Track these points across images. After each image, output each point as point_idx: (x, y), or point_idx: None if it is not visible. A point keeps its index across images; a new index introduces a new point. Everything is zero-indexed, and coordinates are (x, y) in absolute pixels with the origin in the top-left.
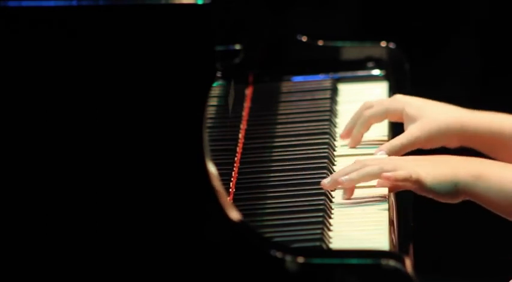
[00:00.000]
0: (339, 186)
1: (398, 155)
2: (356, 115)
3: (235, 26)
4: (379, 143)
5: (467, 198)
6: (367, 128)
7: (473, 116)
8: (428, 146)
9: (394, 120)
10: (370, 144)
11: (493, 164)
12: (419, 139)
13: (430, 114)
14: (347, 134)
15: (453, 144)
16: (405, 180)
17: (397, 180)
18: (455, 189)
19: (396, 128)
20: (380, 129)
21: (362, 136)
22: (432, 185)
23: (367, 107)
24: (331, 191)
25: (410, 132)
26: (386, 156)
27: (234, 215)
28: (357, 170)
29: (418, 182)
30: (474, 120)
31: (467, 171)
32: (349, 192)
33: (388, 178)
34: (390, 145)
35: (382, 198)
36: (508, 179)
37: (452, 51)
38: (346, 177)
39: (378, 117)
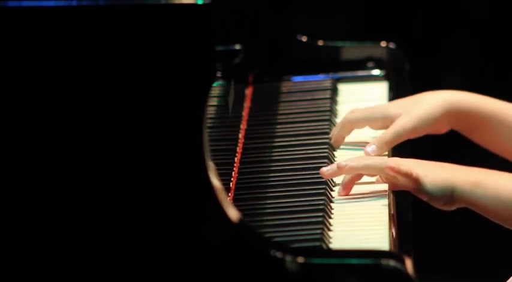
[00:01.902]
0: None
1: (388, 148)
2: (341, 120)
3: (235, 26)
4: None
5: (462, 206)
6: (348, 132)
7: (459, 95)
8: (416, 134)
9: (377, 128)
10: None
11: (490, 173)
12: (407, 128)
13: (413, 105)
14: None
15: (442, 127)
16: (406, 175)
17: (399, 172)
18: (452, 195)
19: None
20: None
21: (343, 139)
22: (430, 187)
23: (352, 112)
24: (329, 189)
25: (400, 124)
26: (375, 148)
27: (234, 215)
28: (359, 160)
29: (417, 182)
30: (459, 98)
31: (465, 178)
32: (346, 188)
33: (391, 169)
34: (379, 138)
35: (382, 198)
36: (504, 187)
37: (452, 51)
38: (352, 163)
39: (357, 123)
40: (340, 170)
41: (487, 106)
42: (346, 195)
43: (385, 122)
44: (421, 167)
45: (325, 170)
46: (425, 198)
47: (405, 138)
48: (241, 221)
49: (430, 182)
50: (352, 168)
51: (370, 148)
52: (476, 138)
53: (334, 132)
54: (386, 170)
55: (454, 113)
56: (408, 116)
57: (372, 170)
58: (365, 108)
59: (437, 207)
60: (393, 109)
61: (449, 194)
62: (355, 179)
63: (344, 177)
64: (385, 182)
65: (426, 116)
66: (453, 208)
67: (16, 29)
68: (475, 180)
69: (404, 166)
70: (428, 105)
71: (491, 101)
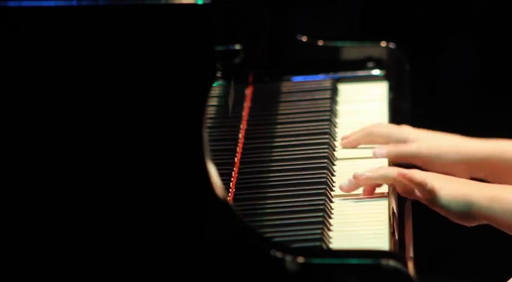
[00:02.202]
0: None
1: (394, 159)
2: (363, 128)
3: (235, 26)
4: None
5: (482, 222)
6: (365, 142)
7: (473, 145)
8: (428, 166)
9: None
10: (370, 146)
11: (506, 187)
12: (421, 154)
13: (440, 141)
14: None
15: (460, 172)
16: (420, 185)
17: (411, 180)
18: (469, 210)
19: None
20: None
21: (357, 145)
22: (445, 200)
23: (377, 125)
24: (329, 189)
25: (416, 145)
26: (384, 152)
27: (234, 214)
28: (375, 170)
29: (432, 193)
30: (477, 149)
31: (481, 193)
32: (349, 187)
33: (403, 176)
34: (393, 146)
35: (382, 199)
36: None
37: (452, 51)
38: (370, 174)
39: (379, 137)
40: (357, 180)
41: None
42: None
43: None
44: (437, 179)
45: (344, 186)
46: (441, 212)
47: (415, 162)
48: (241, 221)
49: (446, 195)
50: (368, 179)
51: (379, 150)
52: (499, 181)
53: (352, 136)
54: (399, 177)
55: (468, 161)
56: (427, 145)
57: (387, 180)
58: (391, 126)
59: (455, 221)
60: (417, 138)
61: (466, 209)
62: (373, 187)
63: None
64: (402, 194)
65: (445, 154)
66: (473, 224)
67: (16, 29)
68: (492, 195)
69: (419, 176)
70: (451, 147)
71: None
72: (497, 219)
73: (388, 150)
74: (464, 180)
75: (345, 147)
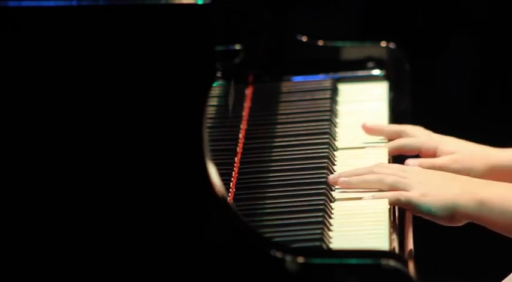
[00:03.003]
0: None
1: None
2: (397, 126)
3: (235, 26)
4: (379, 144)
5: (468, 221)
6: (390, 139)
7: (503, 154)
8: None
9: (427, 156)
10: (370, 146)
11: (493, 185)
12: (450, 168)
13: (464, 153)
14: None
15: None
16: (394, 203)
17: (395, 204)
18: (454, 212)
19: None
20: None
21: (379, 134)
22: (427, 207)
23: (407, 133)
24: (329, 189)
25: (449, 159)
26: (417, 163)
27: (234, 215)
28: (361, 174)
29: (409, 205)
30: (501, 158)
31: (468, 196)
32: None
33: (375, 197)
34: (423, 160)
35: (382, 199)
36: (510, 199)
37: (452, 51)
38: (346, 179)
39: (409, 147)
40: (340, 185)
41: None
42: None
43: (432, 155)
44: (422, 183)
45: (331, 177)
46: (426, 217)
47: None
48: (241, 221)
49: (428, 203)
50: (349, 184)
51: (412, 161)
52: None
53: (384, 129)
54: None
55: (497, 171)
56: (459, 158)
57: (368, 186)
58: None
59: (442, 224)
60: (446, 146)
61: (451, 213)
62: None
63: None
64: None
65: (473, 167)
66: (460, 224)
67: (16, 29)
68: (480, 197)
69: (400, 185)
70: (481, 160)
71: None
72: (486, 221)
73: (420, 163)
74: (454, 178)
75: (367, 129)
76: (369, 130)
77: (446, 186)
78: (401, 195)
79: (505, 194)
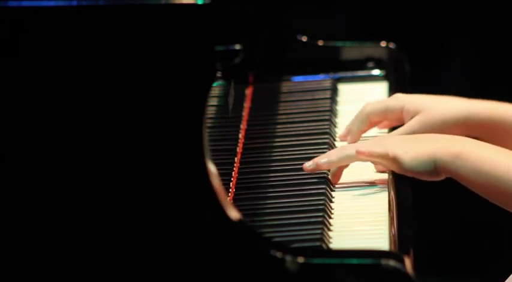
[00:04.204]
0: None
1: None
2: (356, 115)
3: (235, 26)
4: None
5: (448, 176)
6: (367, 126)
7: (476, 105)
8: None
9: (394, 120)
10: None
11: (476, 144)
12: (419, 132)
13: (431, 109)
14: (346, 134)
15: (454, 133)
16: (381, 156)
17: (371, 155)
18: (434, 167)
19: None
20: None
21: (361, 133)
22: (410, 163)
23: (366, 105)
24: (329, 189)
25: (410, 125)
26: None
27: (234, 215)
28: (335, 154)
29: (396, 161)
30: (476, 109)
31: (447, 150)
32: (335, 177)
33: (362, 153)
34: (400, 130)
35: (383, 198)
36: (487, 159)
37: (452, 52)
38: (326, 159)
39: (377, 114)
40: (319, 167)
41: (503, 113)
42: (337, 182)
43: (401, 115)
44: (401, 145)
45: (307, 165)
46: (409, 175)
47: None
48: (241, 221)
49: (410, 159)
50: (329, 164)
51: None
52: (496, 143)
53: (353, 127)
54: (359, 156)
55: (470, 123)
56: (425, 116)
57: (349, 160)
58: (380, 100)
59: (424, 179)
60: (411, 106)
61: (432, 167)
62: (341, 168)
63: (330, 170)
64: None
65: (441, 121)
66: (440, 178)
67: (16, 29)
68: (457, 151)
69: (380, 147)
70: (446, 111)
71: (506, 107)
72: (460, 176)
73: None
74: (432, 137)
75: (353, 142)
76: (353, 139)
77: (427, 143)
78: (391, 150)
79: (486, 154)
